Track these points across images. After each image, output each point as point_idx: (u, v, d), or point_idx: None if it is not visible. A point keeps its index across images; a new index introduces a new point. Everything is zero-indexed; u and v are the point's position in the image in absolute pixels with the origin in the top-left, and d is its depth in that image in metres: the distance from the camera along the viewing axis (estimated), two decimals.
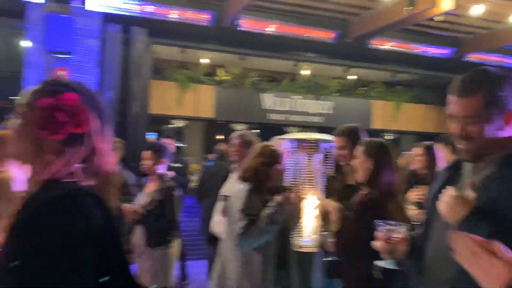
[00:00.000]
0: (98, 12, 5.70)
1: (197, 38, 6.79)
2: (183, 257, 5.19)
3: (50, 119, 1.03)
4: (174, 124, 9.07)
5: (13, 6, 5.55)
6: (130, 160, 4.82)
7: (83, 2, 5.53)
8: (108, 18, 5.85)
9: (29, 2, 5.37)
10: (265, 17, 6.84)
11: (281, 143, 2.77)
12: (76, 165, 1.04)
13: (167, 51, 7.84)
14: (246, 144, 3.08)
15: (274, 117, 8.50)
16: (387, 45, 7.60)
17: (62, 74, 5.19)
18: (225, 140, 8.68)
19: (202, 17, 6.19)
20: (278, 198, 2.49)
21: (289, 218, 2.53)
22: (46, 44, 5.26)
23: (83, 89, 1.09)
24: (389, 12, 6.35)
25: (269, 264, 2.53)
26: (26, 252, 0.92)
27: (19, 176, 3.09)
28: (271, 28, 6.80)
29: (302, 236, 2.55)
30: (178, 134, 7.80)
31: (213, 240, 3.26)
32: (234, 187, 2.76)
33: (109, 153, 1.11)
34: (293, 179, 2.58)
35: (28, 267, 0.90)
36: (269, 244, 2.52)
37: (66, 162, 1.03)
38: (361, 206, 2.20)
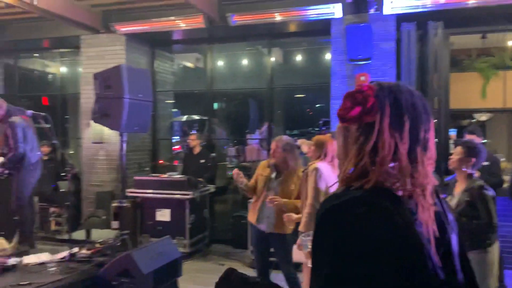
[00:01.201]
0: (392, 15, 5.83)
1: (503, 20, 6.00)
2: (500, 265, 4.67)
3: (342, 107, 1.09)
4: (476, 118, 8.31)
5: (319, 25, 6.35)
6: None
7: (379, 9, 5.78)
8: (402, 18, 5.89)
9: (332, 19, 6.02)
10: None
11: None
12: (369, 163, 1.01)
13: (464, 40, 7.24)
14: None
15: None
16: None
17: (363, 80, 5.58)
18: None
19: None
20: None
21: None
22: (348, 54, 5.78)
23: (386, 85, 1.07)
24: None
25: None
26: (319, 253, 0.97)
27: (325, 171, 3.49)
28: None
29: None
30: (481, 129, 7.12)
31: None
32: None
33: (404, 150, 1.00)
34: None
35: (324, 267, 0.94)
36: None
37: (359, 152, 1.03)
38: None
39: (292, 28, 6.82)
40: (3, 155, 4.81)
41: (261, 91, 7.94)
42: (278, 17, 6.23)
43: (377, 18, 5.84)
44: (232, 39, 7.58)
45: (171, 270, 4.01)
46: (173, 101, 8.78)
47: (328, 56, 7.54)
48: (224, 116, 11.89)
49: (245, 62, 9.88)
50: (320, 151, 3.71)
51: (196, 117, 11.20)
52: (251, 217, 4.20)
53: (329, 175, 3.60)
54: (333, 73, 6.10)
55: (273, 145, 4.08)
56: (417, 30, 5.91)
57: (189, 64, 9.72)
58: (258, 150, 9.15)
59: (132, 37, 7.22)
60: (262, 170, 4.17)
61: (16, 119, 4.67)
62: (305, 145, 6.33)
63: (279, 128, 9.79)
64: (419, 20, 5.89)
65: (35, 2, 5.57)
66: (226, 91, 10.01)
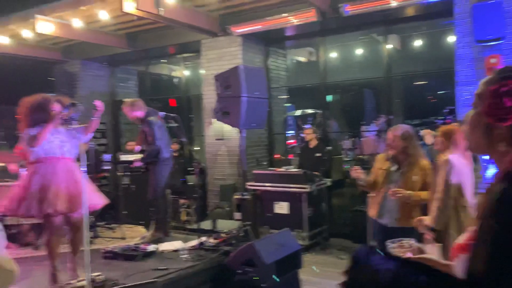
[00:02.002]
0: None
1: None
2: None
3: (496, 105, 1.01)
4: None
5: (440, 7, 5.92)
6: None
7: None
8: None
9: None
10: None
11: None
12: None
13: None
14: None
15: None
16: None
17: (494, 62, 5.04)
18: None
19: None
20: None
21: None
22: (475, 35, 5.27)
23: None
24: None
25: None
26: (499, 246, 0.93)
27: (458, 163, 3.24)
28: None
29: None
30: None
31: None
32: None
33: None
34: None
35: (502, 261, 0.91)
36: None
37: None
38: None
39: (410, 12, 6.46)
40: (143, 151, 5.42)
41: (377, 80, 7.66)
42: (393, 3, 5.95)
43: None
44: (345, 29, 7.44)
45: (292, 262, 4.13)
46: (287, 96, 8.93)
47: (450, 39, 7.00)
48: (338, 109, 11.74)
49: (359, 51, 9.61)
50: (449, 142, 3.46)
51: (309, 111, 11.24)
52: (372, 212, 4.08)
53: (462, 168, 3.34)
54: (458, 57, 5.62)
55: (389, 136, 3.87)
56: None
57: (302, 59, 9.79)
58: (375, 142, 8.85)
59: (247, 37, 7.52)
60: (381, 164, 4.00)
61: (152, 118, 5.23)
62: (429, 135, 5.96)
63: (398, 119, 9.35)
64: None
65: (161, 13, 6.12)
66: (340, 83, 9.86)
